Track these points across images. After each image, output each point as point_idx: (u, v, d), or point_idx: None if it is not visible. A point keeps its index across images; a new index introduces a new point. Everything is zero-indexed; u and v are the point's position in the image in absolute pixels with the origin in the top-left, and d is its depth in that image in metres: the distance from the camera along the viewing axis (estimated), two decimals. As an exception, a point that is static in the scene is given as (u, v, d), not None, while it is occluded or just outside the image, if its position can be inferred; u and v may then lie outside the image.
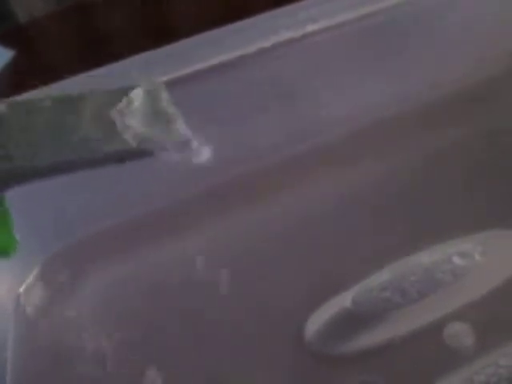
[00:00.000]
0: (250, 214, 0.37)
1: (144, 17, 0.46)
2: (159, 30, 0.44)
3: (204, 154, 0.23)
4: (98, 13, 0.47)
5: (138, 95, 0.22)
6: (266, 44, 0.34)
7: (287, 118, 0.37)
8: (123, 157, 0.21)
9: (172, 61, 0.32)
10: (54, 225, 0.36)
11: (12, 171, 0.19)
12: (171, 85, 0.24)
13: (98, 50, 0.44)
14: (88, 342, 0.33)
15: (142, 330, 0.33)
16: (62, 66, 0.43)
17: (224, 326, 0.33)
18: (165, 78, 0.31)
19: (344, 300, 0.33)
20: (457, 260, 0.33)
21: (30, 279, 0.36)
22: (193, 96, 0.33)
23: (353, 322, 0.32)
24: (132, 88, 0.22)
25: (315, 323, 0.32)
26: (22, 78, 0.40)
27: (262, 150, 0.38)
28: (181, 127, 0.22)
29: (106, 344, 0.33)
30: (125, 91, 0.22)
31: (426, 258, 0.33)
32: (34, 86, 0.31)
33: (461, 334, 0.30)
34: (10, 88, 0.41)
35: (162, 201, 0.37)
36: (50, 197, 0.34)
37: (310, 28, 0.34)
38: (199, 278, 0.35)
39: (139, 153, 0.21)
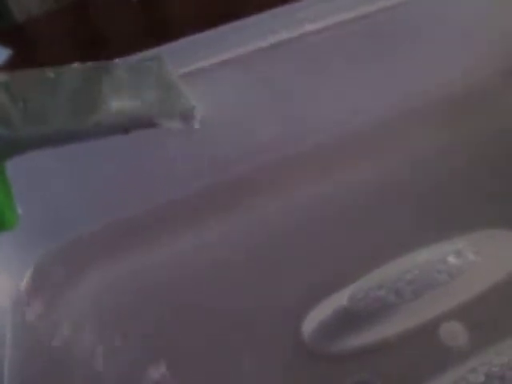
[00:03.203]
0: (248, 213, 0.37)
1: (142, 16, 0.46)
2: (157, 29, 0.44)
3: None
4: (96, 11, 0.47)
5: (142, 67, 0.23)
6: (264, 44, 0.34)
7: (284, 117, 0.37)
8: (129, 126, 0.21)
9: (170, 60, 0.32)
10: (49, 223, 0.36)
11: (15, 139, 0.20)
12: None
13: (95, 48, 0.44)
14: (85, 340, 0.33)
15: (140, 328, 0.33)
16: (60, 65, 0.43)
17: (223, 324, 0.33)
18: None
19: (340, 299, 0.33)
20: (452, 260, 0.33)
21: (27, 278, 0.36)
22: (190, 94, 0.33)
23: (349, 320, 0.32)
24: (137, 61, 0.23)
25: (312, 322, 0.32)
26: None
27: (260, 150, 0.38)
28: (185, 96, 0.23)
29: (104, 342, 0.33)
30: (130, 64, 0.22)
31: (421, 257, 0.34)
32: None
33: (455, 332, 0.30)
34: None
35: (160, 199, 0.37)
36: (46, 195, 0.35)
37: (309, 28, 0.34)
38: (198, 276, 0.35)
39: (145, 122, 0.22)
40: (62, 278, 0.36)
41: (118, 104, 0.21)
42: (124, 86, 0.22)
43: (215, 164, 0.37)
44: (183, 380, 0.31)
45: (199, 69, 0.32)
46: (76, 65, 0.22)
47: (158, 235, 0.37)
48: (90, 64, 0.22)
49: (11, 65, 0.44)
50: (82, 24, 0.46)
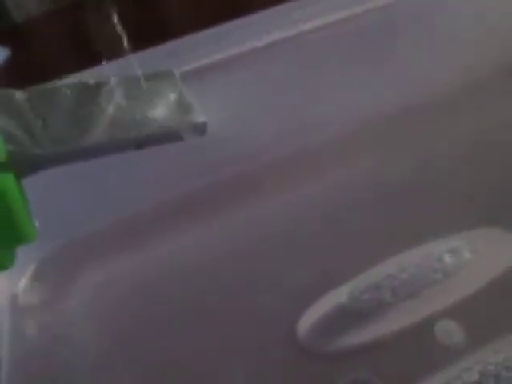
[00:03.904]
0: (249, 212, 0.37)
1: (139, 16, 0.46)
2: (154, 29, 0.44)
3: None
4: (94, 11, 0.47)
5: (155, 82, 0.23)
6: (260, 44, 0.34)
7: (281, 117, 0.37)
8: (143, 142, 0.22)
9: (166, 60, 0.33)
10: (48, 223, 0.36)
11: (38, 157, 0.20)
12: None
13: (94, 48, 0.44)
14: (85, 339, 0.33)
15: (139, 327, 0.33)
16: (58, 64, 0.43)
17: (221, 322, 0.33)
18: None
19: (336, 298, 0.33)
20: (447, 258, 0.33)
21: (26, 278, 0.36)
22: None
23: (345, 319, 0.32)
24: (148, 76, 0.23)
25: (308, 321, 0.32)
26: (17, 76, 0.40)
27: (259, 149, 0.38)
28: (198, 111, 0.23)
29: (104, 341, 0.33)
30: (143, 79, 0.23)
31: (416, 256, 0.34)
32: (29, 85, 0.31)
33: (451, 331, 0.31)
34: (6, 87, 0.41)
35: (160, 198, 0.37)
36: (45, 196, 0.35)
37: (304, 27, 0.34)
38: (198, 275, 0.35)
39: (162, 138, 0.22)
40: (61, 278, 0.36)
41: (132, 120, 0.21)
42: (136, 101, 0.22)
43: (214, 163, 0.37)
44: (182, 377, 0.31)
45: (193, 69, 0.33)
46: (90, 80, 0.22)
47: (158, 234, 0.37)
48: (103, 80, 0.22)
49: (10, 65, 0.44)
50: (80, 24, 0.46)
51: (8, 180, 0.18)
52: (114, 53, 0.33)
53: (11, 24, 0.48)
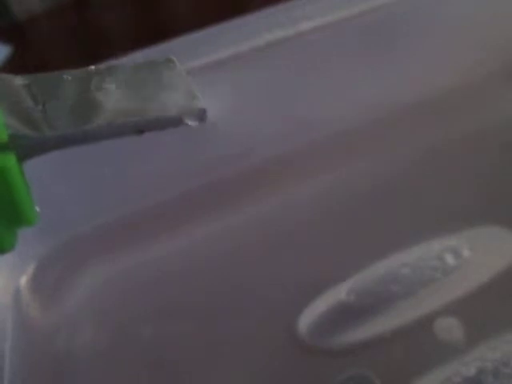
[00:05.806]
0: (249, 210, 0.38)
1: (140, 14, 0.46)
2: (155, 28, 0.45)
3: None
4: (96, 10, 0.47)
5: (154, 67, 0.23)
6: (260, 42, 0.34)
7: (280, 117, 0.37)
8: (143, 127, 0.22)
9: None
10: (49, 221, 0.36)
11: (39, 141, 0.20)
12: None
13: (95, 46, 0.45)
14: (87, 338, 0.34)
15: (140, 326, 0.34)
16: (60, 62, 0.43)
17: (220, 320, 0.33)
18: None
19: (336, 295, 0.33)
20: (447, 256, 0.34)
21: (28, 275, 0.36)
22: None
23: (344, 316, 0.32)
24: (149, 62, 0.23)
25: (308, 317, 0.33)
26: (19, 74, 0.40)
27: (260, 148, 0.38)
28: (198, 97, 0.23)
29: (105, 339, 0.33)
30: (141, 64, 0.23)
31: (416, 254, 0.34)
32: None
33: (450, 328, 0.31)
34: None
35: (162, 195, 0.38)
36: (48, 190, 0.35)
37: (305, 26, 0.34)
38: (197, 273, 0.35)
39: (162, 123, 0.22)
40: (62, 275, 0.36)
41: (132, 105, 0.21)
42: (137, 87, 0.22)
43: (214, 163, 0.37)
44: (181, 376, 0.31)
45: (193, 68, 0.32)
46: (91, 67, 0.22)
47: (158, 234, 0.37)
48: (101, 66, 0.22)
49: (12, 62, 0.45)
50: (83, 22, 0.47)
51: (9, 159, 0.18)
52: (115, 51, 0.33)
53: (13, 21, 0.48)
